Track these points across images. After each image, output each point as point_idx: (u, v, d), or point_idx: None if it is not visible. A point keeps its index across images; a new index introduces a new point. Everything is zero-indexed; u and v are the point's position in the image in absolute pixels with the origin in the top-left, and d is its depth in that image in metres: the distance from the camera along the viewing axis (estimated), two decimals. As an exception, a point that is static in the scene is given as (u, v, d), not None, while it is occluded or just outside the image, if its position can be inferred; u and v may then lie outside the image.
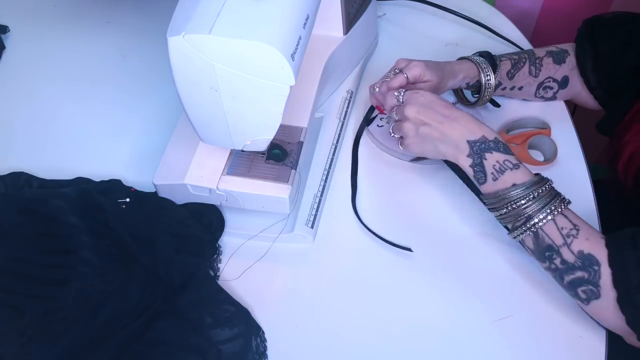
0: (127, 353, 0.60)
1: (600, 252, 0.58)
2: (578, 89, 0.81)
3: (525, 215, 0.61)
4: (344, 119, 0.81)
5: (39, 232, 0.66)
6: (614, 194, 0.76)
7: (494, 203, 0.63)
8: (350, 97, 0.84)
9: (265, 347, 0.63)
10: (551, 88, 0.81)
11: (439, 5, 0.97)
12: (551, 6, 1.07)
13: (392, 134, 0.70)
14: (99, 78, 0.91)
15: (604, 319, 0.60)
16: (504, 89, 0.80)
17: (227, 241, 0.71)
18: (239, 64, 0.54)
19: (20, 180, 0.75)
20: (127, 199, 0.71)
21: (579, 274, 0.59)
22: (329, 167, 0.76)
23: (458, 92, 0.83)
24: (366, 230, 0.72)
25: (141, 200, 0.72)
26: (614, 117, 0.75)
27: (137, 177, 0.76)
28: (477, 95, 0.79)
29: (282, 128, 0.64)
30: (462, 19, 0.95)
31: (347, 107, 0.83)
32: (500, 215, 0.63)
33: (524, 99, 0.84)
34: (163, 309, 0.62)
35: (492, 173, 0.63)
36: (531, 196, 0.61)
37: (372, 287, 0.67)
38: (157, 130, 0.82)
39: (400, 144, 0.70)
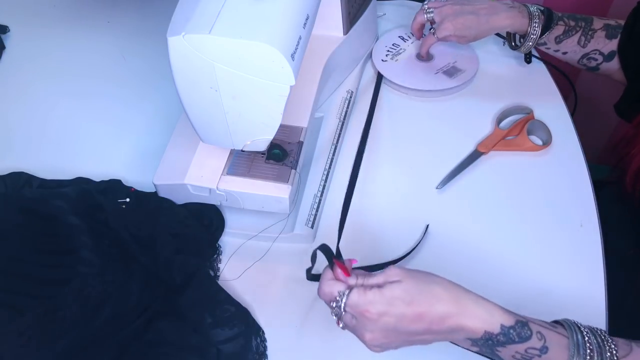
0: (127, 353, 0.60)
1: None
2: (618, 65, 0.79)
3: None
4: (344, 119, 0.81)
5: (39, 232, 0.66)
6: (614, 195, 0.76)
7: None
8: (350, 97, 0.84)
9: (265, 347, 0.63)
10: (595, 60, 0.79)
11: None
12: (551, 6, 1.07)
13: (340, 326, 0.53)
14: (99, 78, 0.91)
15: None
16: (547, 49, 0.80)
17: (227, 241, 0.71)
18: (239, 64, 0.54)
19: (20, 180, 0.75)
20: (127, 199, 0.71)
21: None
22: (329, 167, 0.76)
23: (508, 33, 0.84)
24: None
25: (141, 200, 0.72)
26: (631, 99, 0.74)
27: (137, 177, 0.76)
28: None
29: (282, 128, 0.64)
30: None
31: (347, 107, 0.83)
32: None
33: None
34: (163, 309, 0.62)
35: (512, 356, 0.51)
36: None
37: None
38: (157, 130, 0.82)
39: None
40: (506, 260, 0.69)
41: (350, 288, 0.51)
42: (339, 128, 0.80)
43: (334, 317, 0.52)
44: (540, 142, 0.80)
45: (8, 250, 0.65)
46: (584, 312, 0.63)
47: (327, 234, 0.72)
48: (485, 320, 0.49)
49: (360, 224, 0.73)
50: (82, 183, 0.75)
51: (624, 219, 0.78)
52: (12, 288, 0.63)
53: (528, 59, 0.89)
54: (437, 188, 0.75)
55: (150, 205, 0.71)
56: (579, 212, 0.72)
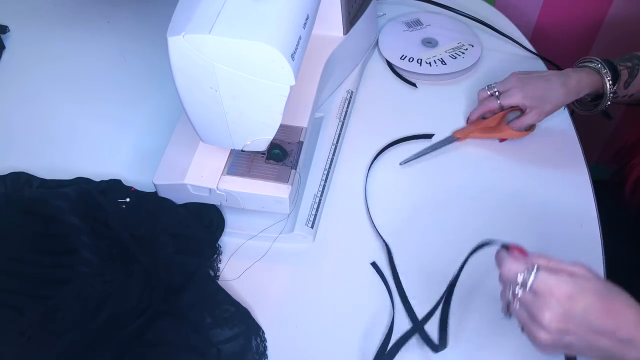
0: (127, 353, 0.60)
1: None
2: None
3: None
4: (344, 119, 0.81)
5: (39, 232, 0.66)
6: (615, 195, 0.76)
7: None
8: (350, 97, 0.84)
9: (265, 347, 0.62)
10: None
11: (440, 4, 0.97)
12: (551, 6, 1.07)
13: (507, 315, 0.52)
14: (99, 78, 0.91)
15: None
16: (616, 97, 0.74)
17: (227, 241, 0.71)
18: (239, 64, 0.54)
19: (20, 180, 0.75)
20: (127, 199, 0.71)
21: None
22: (329, 167, 0.76)
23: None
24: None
25: (141, 200, 0.72)
26: None
27: (137, 177, 0.76)
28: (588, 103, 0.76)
29: (282, 128, 0.64)
30: (462, 17, 0.95)
31: (347, 107, 0.83)
32: None
33: None
34: (163, 309, 0.62)
35: None
36: None
37: (372, 287, 0.67)
38: (157, 130, 0.82)
39: (522, 330, 0.51)
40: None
41: (537, 267, 0.48)
42: (339, 128, 0.80)
43: (509, 299, 0.49)
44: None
45: (8, 250, 0.65)
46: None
47: (327, 234, 0.72)
48: None
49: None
50: (82, 183, 0.75)
51: (624, 219, 0.78)
52: (12, 288, 0.63)
53: (608, 115, 0.80)
54: (400, 164, 0.77)
55: (150, 205, 0.71)
56: (579, 212, 0.72)
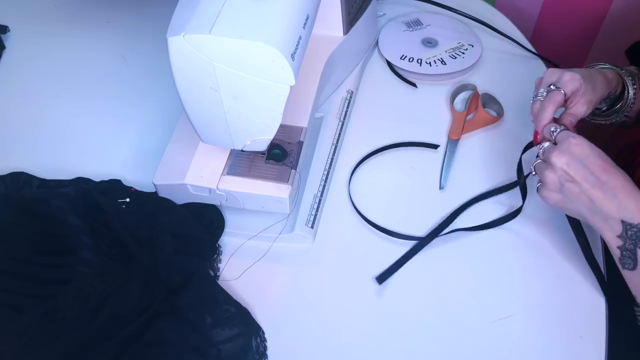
0: (127, 353, 0.60)
1: None
2: None
3: None
4: (344, 119, 0.81)
5: (39, 232, 0.66)
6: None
7: None
8: (350, 97, 0.84)
9: (265, 347, 0.62)
10: None
11: (440, 4, 0.97)
12: (551, 6, 1.07)
13: (533, 172, 0.62)
14: (99, 78, 0.91)
15: None
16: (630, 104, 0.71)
17: (227, 241, 0.71)
18: (239, 64, 0.54)
19: (20, 180, 0.75)
20: (127, 199, 0.71)
21: None
22: (329, 167, 0.76)
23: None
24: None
25: (141, 200, 0.72)
26: None
27: (137, 177, 0.76)
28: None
29: (282, 128, 0.64)
30: (462, 17, 0.95)
31: (347, 107, 0.83)
32: None
33: None
34: (163, 309, 0.62)
35: None
36: None
37: (372, 286, 0.67)
38: (157, 130, 0.82)
39: (537, 190, 0.62)
40: (505, 260, 0.69)
41: (563, 127, 0.61)
42: (339, 128, 0.80)
43: (543, 144, 0.61)
44: (494, 114, 0.83)
45: (8, 250, 0.65)
46: (584, 312, 0.63)
47: (327, 234, 0.72)
48: None
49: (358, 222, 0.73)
50: (82, 183, 0.75)
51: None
52: (12, 288, 0.63)
53: (624, 124, 0.74)
54: (441, 189, 0.76)
55: (150, 205, 0.71)
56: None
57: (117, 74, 0.91)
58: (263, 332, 0.63)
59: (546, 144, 0.61)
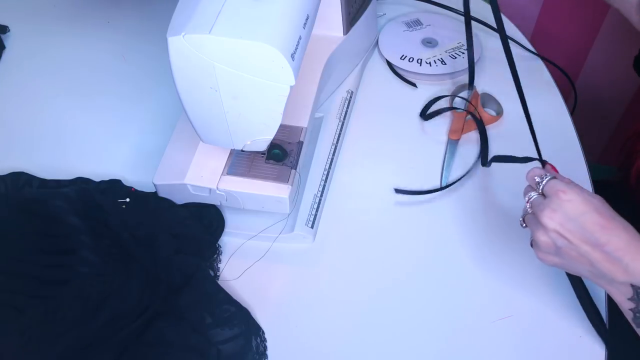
0: (127, 353, 0.60)
1: None
2: None
3: None
4: (344, 119, 0.81)
5: (39, 232, 0.66)
6: (616, 195, 0.76)
7: None
8: (350, 97, 0.84)
9: (265, 347, 0.63)
10: None
11: (440, 4, 0.97)
12: (551, 6, 1.07)
13: (523, 225, 0.57)
14: (99, 78, 0.91)
15: None
16: None
17: (227, 241, 0.71)
18: (239, 64, 0.54)
19: (20, 180, 0.75)
20: (127, 199, 0.71)
21: None
22: (329, 167, 0.76)
23: None
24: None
25: (141, 200, 0.72)
26: None
27: (137, 177, 0.76)
28: None
29: (282, 128, 0.64)
30: (462, 17, 0.95)
31: (347, 107, 0.83)
32: None
33: None
34: (163, 309, 0.62)
35: None
36: None
37: (372, 286, 0.67)
38: (157, 130, 0.82)
39: (531, 244, 0.56)
40: (505, 259, 0.69)
41: (553, 175, 0.54)
42: (339, 128, 0.80)
43: (525, 206, 0.55)
44: (494, 114, 0.83)
45: (8, 250, 0.65)
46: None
47: (327, 234, 0.72)
48: None
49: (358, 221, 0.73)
50: (82, 183, 0.75)
51: (624, 218, 0.78)
52: (12, 288, 0.63)
53: None
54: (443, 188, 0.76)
55: (150, 205, 0.71)
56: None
57: (117, 74, 0.91)
58: (263, 332, 0.63)
59: (533, 194, 0.54)
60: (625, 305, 0.51)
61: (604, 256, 0.49)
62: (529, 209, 0.55)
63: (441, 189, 0.74)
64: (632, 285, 0.49)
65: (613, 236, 0.49)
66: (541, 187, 0.53)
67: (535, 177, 0.54)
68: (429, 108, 0.82)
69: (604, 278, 0.51)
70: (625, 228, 0.49)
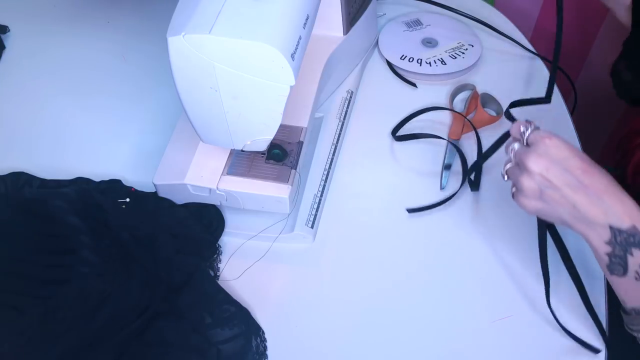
0: (127, 353, 0.60)
1: None
2: None
3: None
4: (344, 119, 0.81)
5: (39, 232, 0.66)
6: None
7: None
8: (350, 97, 0.84)
9: (265, 347, 0.63)
10: None
11: (440, 4, 0.97)
12: (551, 6, 1.07)
13: (505, 178, 0.57)
14: (99, 78, 0.91)
15: None
16: None
17: (227, 241, 0.71)
18: (239, 64, 0.54)
19: (20, 180, 0.75)
20: (127, 199, 0.71)
21: None
22: (329, 167, 0.76)
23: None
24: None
25: (141, 200, 0.72)
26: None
27: (137, 177, 0.76)
28: None
29: (282, 128, 0.64)
30: (462, 17, 0.95)
31: (347, 107, 0.83)
32: None
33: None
34: (163, 309, 0.62)
35: (636, 271, 0.51)
36: None
37: (372, 286, 0.67)
38: (157, 130, 0.82)
39: (513, 196, 0.57)
40: (505, 259, 0.69)
41: (537, 126, 0.56)
42: (339, 128, 0.80)
43: (509, 156, 0.56)
44: (494, 114, 0.83)
45: (8, 250, 0.65)
46: (584, 312, 0.63)
47: (327, 234, 0.72)
48: (636, 216, 0.50)
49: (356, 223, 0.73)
50: (82, 183, 0.75)
51: None
52: (12, 288, 0.63)
53: None
54: (442, 189, 0.75)
55: (150, 206, 0.71)
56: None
57: (117, 74, 0.91)
58: (263, 332, 0.63)
59: (516, 145, 0.56)
60: (602, 250, 0.52)
61: (586, 198, 0.51)
62: (512, 159, 0.56)
63: (447, 199, 0.73)
64: (611, 227, 0.51)
65: (595, 179, 0.51)
66: (526, 136, 0.55)
67: (521, 127, 0.55)
68: (401, 127, 0.81)
69: (584, 221, 0.52)
70: (605, 173, 0.52)
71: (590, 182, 0.51)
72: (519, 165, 0.55)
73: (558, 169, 0.52)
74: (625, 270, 0.52)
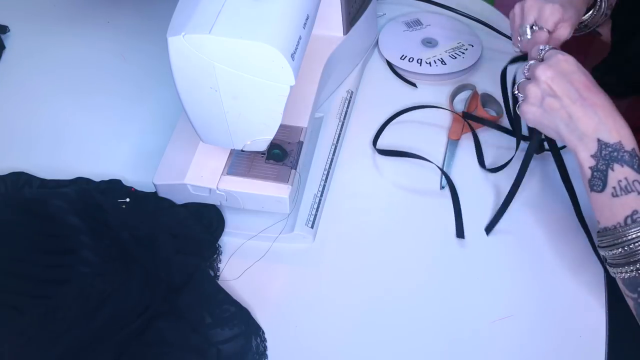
0: (127, 353, 0.60)
1: None
2: None
3: None
4: (344, 119, 0.81)
5: (39, 232, 0.66)
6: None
7: (610, 242, 0.55)
8: (350, 97, 0.84)
9: (265, 347, 0.63)
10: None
11: (440, 4, 0.97)
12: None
13: (516, 92, 0.62)
14: (99, 78, 0.91)
15: None
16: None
17: (227, 241, 0.71)
18: (239, 64, 0.54)
19: (20, 180, 0.75)
20: (127, 199, 0.71)
21: None
22: (329, 167, 0.76)
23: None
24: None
25: (141, 200, 0.72)
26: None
27: (137, 177, 0.76)
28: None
29: (282, 128, 0.64)
30: (462, 17, 0.95)
31: (347, 107, 0.83)
32: (613, 255, 0.55)
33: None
34: (163, 309, 0.62)
35: (613, 187, 0.54)
36: None
37: (372, 286, 0.67)
38: (157, 130, 0.82)
39: (517, 107, 0.61)
40: (505, 259, 0.69)
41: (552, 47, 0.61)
42: (339, 128, 0.80)
43: (529, 63, 0.61)
44: (494, 114, 0.83)
45: (8, 250, 0.65)
46: (584, 312, 0.63)
47: (327, 234, 0.72)
48: (625, 135, 0.54)
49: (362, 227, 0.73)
50: (82, 183, 0.75)
51: None
52: (12, 288, 0.63)
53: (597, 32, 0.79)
54: (441, 189, 0.75)
55: (150, 206, 0.71)
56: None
57: (117, 73, 0.91)
58: (263, 332, 0.63)
59: (532, 62, 0.60)
60: (587, 164, 0.55)
61: (582, 110, 0.55)
62: (526, 73, 0.60)
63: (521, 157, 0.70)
64: (599, 140, 0.54)
65: (593, 95, 0.55)
66: (543, 53, 0.60)
67: (540, 46, 0.60)
68: (380, 134, 0.81)
69: (576, 132, 0.56)
70: (605, 94, 0.56)
71: (589, 96, 0.55)
72: (530, 79, 0.59)
73: (563, 81, 0.56)
74: (604, 186, 0.55)
